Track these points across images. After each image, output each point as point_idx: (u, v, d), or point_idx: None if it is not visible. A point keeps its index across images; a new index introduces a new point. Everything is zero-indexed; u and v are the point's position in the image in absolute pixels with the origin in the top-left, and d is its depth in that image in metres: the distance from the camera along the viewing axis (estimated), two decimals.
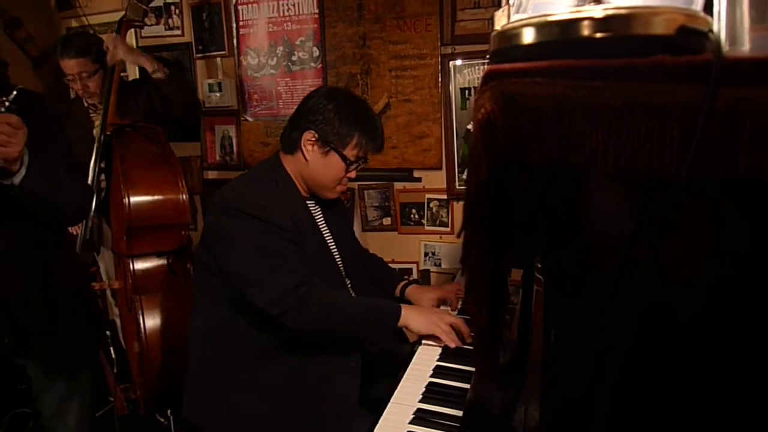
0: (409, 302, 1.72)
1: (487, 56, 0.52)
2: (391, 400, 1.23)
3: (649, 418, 0.54)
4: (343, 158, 1.46)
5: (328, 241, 1.59)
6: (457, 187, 2.31)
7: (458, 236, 0.52)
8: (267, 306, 1.34)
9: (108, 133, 2.18)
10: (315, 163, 1.48)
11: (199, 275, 1.52)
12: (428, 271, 2.41)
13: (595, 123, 0.39)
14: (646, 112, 0.37)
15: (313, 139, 1.46)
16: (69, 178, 1.49)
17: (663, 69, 0.36)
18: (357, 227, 2.45)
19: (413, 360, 1.39)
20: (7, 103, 1.31)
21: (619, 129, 0.38)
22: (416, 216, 2.41)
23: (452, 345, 1.41)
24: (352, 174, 1.53)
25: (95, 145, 2.17)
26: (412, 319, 1.44)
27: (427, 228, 2.41)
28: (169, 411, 2.22)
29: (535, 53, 0.42)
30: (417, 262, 2.43)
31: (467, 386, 1.25)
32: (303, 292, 1.36)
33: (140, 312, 2.02)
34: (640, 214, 0.48)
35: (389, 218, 2.46)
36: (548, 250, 0.81)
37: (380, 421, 1.15)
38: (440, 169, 2.32)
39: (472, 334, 1.41)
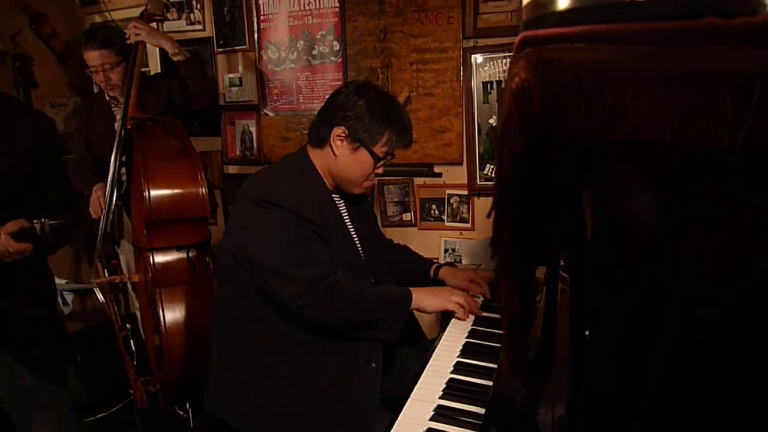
0: (443, 282, 1.74)
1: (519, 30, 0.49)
2: (411, 396, 1.20)
3: (693, 420, 0.51)
4: (373, 155, 1.46)
5: (352, 235, 1.58)
6: (478, 183, 2.27)
7: (488, 216, 0.49)
8: (292, 298, 1.34)
9: (129, 126, 2.19)
10: (344, 159, 1.47)
11: (222, 265, 1.52)
12: (452, 263, 2.37)
13: (640, 92, 0.36)
14: (696, 79, 0.34)
15: (343, 135, 1.45)
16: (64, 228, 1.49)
17: (715, 32, 0.33)
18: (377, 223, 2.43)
19: (433, 356, 1.37)
20: (47, 228, 1.38)
21: (665, 99, 0.35)
22: (436, 212, 2.38)
23: (465, 318, 1.49)
24: (380, 170, 1.53)
25: (116, 139, 2.18)
26: (424, 300, 1.47)
27: (447, 224, 2.37)
28: (188, 404, 2.23)
29: (573, 19, 0.39)
30: (437, 259, 2.40)
31: (489, 383, 1.22)
32: (328, 285, 1.35)
33: (160, 305, 2.02)
34: (686, 197, 0.45)
35: (409, 214, 2.43)
36: (576, 243, 0.78)
37: (400, 418, 1.13)
38: (461, 164, 2.28)
39: (502, 325, 1.39)
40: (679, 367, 0.51)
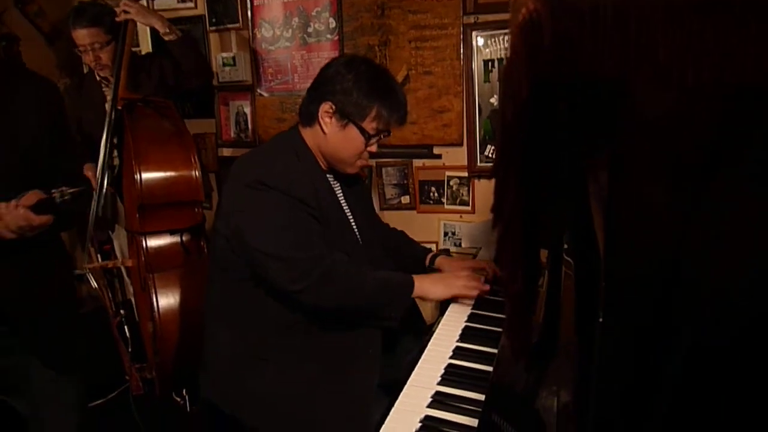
0: (437, 272, 1.67)
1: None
2: (408, 382, 1.16)
3: (714, 412, 0.46)
4: (362, 131, 1.39)
5: (348, 217, 1.53)
6: (479, 165, 2.21)
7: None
8: (287, 282, 1.30)
9: (119, 107, 2.13)
10: (333, 137, 1.41)
11: (216, 249, 1.47)
12: (448, 251, 2.32)
13: (671, 26, 0.30)
14: (738, 10, 0.28)
15: (331, 110, 1.39)
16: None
17: None
18: (375, 206, 2.37)
19: (432, 340, 1.32)
20: (66, 197, 1.32)
21: (702, 33, 0.29)
22: (436, 194, 2.33)
23: (475, 293, 1.45)
24: (373, 148, 1.46)
25: (107, 120, 2.12)
26: (427, 287, 1.42)
27: (447, 207, 2.32)
28: (184, 391, 2.20)
29: None
30: (436, 242, 2.35)
31: (488, 368, 1.18)
32: (324, 269, 1.31)
33: (153, 290, 1.98)
34: (706, 182, 0.39)
35: (408, 196, 2.38)
36: (581, 227, 0.73)
37: (397, 404, 1.09)
38: (461, 145, 2.22)
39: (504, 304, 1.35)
40: (701, 360, 0.46)
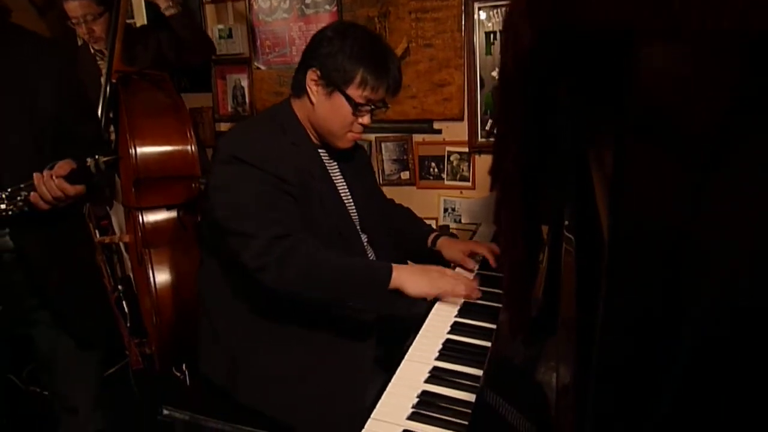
0: (440, 253, 1.62)
1: None
2: (406, 358, 1.15)
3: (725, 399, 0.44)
4: (348, 99, 1.33)
5: (342, 193, 1.49)
6: (479, 140, 2.18)
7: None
8: (248, 259, 1.23)
9: (114, 80, 2.09)
10: (320, 106, 1.36)
11: (203, 228, 1.45)
12: (447, 227, 2.31)
13: None
14: None
15: (316, 77, 1.34)
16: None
17: None
18: None
19: (430, 316, 1.31)
20: (102, 165, 1.28)
21: None
22: (436, 170, 2.30)
23: (459, 295, 1.33)
24: (365, 120, 1.39)
25: (101, 94, 2.08)
26: (407, 279, 1.27)
27: (447, 183, 2.29)
28: (184, 365, 2.20)
29: None
30: (436, 218, 2.33)
31: (487, 344, 1.17)
32: (286, 246, 1.22)
33: (150, 266, 1.97)
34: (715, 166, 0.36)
35: (407, 172, 2.35)
36: (582, 202, 0.70)
37: (393, 379, 1.08)
38: (462, 120, 2.18)
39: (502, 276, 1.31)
40: (708, 340, 0.44)
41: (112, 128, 2.18)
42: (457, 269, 1.56)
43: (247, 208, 1.27)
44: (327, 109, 1.36)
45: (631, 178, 0.52)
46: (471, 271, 1.56)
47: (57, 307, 1.46)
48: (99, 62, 2.27)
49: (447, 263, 1.60)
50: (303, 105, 1.40)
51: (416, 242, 1.68)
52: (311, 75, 1.34)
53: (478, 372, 1.07)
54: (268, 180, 1.27)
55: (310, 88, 1.35)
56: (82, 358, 1.56)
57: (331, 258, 1.29)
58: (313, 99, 1.36)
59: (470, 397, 1.01)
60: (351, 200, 1.51)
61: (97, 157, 1.28)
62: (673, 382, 0.49)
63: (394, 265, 1.31)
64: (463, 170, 2.25)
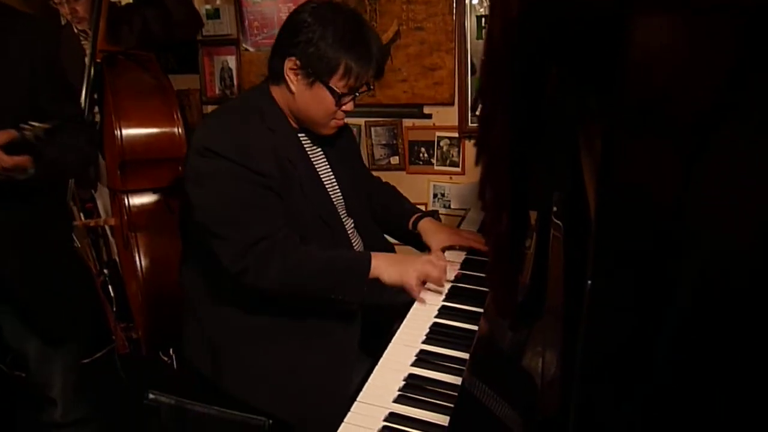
0: (419, 236, 1.58)
1: None
2: (393, 341, 1.15)
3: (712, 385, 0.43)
4: (332, 91, 1.26)
5: (326, 178, 1.44)
6: (470, 125, 2.16)
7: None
8: (226, 263, 1.21)
9: (98, 60, 2.05)
10: (301, 96, 1.29)
11: (182, 220, 1.42)
12: (437, 212, 2.29)
13: None
14: None
15: (296, 67, 1.26)
16: (72, 137, 1.38)
17: None
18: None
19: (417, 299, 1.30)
20: (39, 133, 1.22)
21: None
22: (425, 155, 2.29)
23: (419, 300, 1.28)
24: (349, 107, 1.33)
25: (85, 75, 2.04)
26: (383, 269, 1.27)
27: (436, 168, 2.28)
28: (171, 350, 2.19)
29: None
30: (425, 204, 2.32)
31: (474, 327, 1.16)
32: (263, 249, 1.21)
33: (136, 249, 1.95)
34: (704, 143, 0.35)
35: (397, 157, 2.33)
36: (571, 188, 0.70)
37: (380, 363, 1.08)
38: (452, 104, 2.17)
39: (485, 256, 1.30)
40: (696, 327, 0.43)
41: (96, 109, 2.14)
42: (447, 254, 1.54)
43: (224, 208, 1.23)
44: (308, 100, 1.29)
45: (620, 161, 0.51)
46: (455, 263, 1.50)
47: (21, 300, 1.41)
48: (83, 42, 2.22)
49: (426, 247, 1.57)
50: (282, 92, 1.33)
51: (397, 220, 1.63)
52: (289, 64, 1.26)
53: (466, 355, 1.07)
54: (246, 176, 1.22)
55: (288, 77, 1.28)
56: (55, 350, 1.52)
57: (311, 254, 1.27)
58: (293, 88, 1.29)
59: (457, 380, 1.01)
60: (336, 185, 1.46)
61: (33, 124, 1.22)
62: (661, 369, 0.49)
63: (373, 254, 1.30)
64: (452, 155, 2.24)
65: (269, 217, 1.25)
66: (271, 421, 1.27)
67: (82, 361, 2.33)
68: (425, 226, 1.58)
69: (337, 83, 1.26)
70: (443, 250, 1.52)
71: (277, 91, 1.34)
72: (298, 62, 1.25)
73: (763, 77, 0.37)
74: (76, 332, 1.60)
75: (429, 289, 1.33)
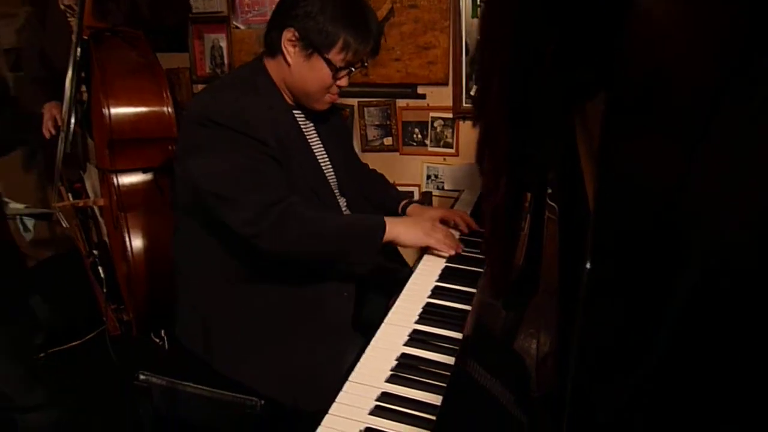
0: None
1: None
2: (385, 321, 1.14)
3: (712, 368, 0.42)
4: (329, 63, 1.27)
5: (319, 156, 1.45)
6: (464, 105, 2.14)
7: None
8: (240, 226, 1.21)
9: (85, 37, 2.00)
10: (298, 68, 1.30)
11: (176, 192, 1.40)
12: (430, 193, 2.29)
13: None
14: None
15: (294, 38, 1.27)
16: None
17: None
18: (356, 148, 2.30)
19: (410, 280, 1.30)
20: None
21: None
22: (419, 136, 2.26)
23: (451, 252, 1.35)
24: (343, 82, 1.34)
25: (72, 52, 1.99)
26: (401, 231, 1.31)
27: (430, 149, 2.26)
28: (163, 331, 2.18)
29: None
30: (419, 185, 2.31)
31: (468, 308, 1.16)
32: (279, 211, 1.21)
33: (126, 230, 1.92)
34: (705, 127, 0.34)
35: (390, 138, 2.31)
36: (567, 170, 0.68)
37: (372, 343, 1.07)
38: (446, 84, 2.14)
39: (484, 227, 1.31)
40: (697, 311, 0.42)
41: (84, 88, 2.09)
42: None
43: (232, 174, 1.22)
44: (305, 72, 1.30)
45: (621, 143, 0.49)
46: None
47: None
48: (69, 18, 2.16)
49: None
50: (278, 65, 1.33)
51: (386, 208, 1.66)
52: (288, 35, 1.27)
53: (459, 335, 1.06)
54: (250, 144, 1.23)
55: (286, 48, 1.28)
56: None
57: (326, 218, 1.30)
58: (290, 60, 1.29)
59: (451, 360, 1.00)
60: (329, 163, 1.47)
61: None
62: (658, 350, 0.48)
63: (386, 217, 1.33)
64: (446, 136, 2.22)
65: (277, 182, 1.26)
66: (263, 402, 1.26)
67: (65, 346, 2.33)
68: (414, 209, 1.64)
69: (335, 57, 1.27)
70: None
71: (272, 65, 1.34)
72: (296, 34, 1.26)
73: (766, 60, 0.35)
74: (9, 320, 1.54)
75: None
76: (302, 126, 1.41)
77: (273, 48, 1.32)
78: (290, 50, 1.28)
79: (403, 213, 1.64)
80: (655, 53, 0.41)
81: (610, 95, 0.49)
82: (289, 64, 1.30)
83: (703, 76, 0.39)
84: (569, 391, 0.50)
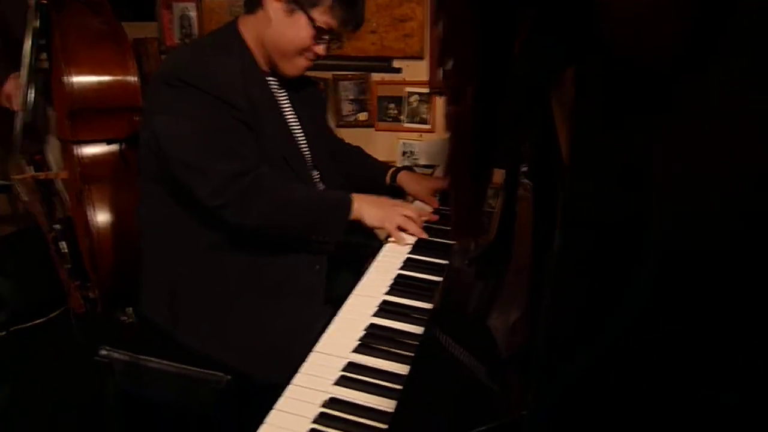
0: (401, 189, 1.58)
1: None
2: (354, 292, 1.11)
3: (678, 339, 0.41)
4: (311, 21, 1.24)
5: (292, 125, 1.41)
6: (440, 80, 2.10)
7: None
8: (206, 196, 1.17)
9: (44, 2, 1.90)
10: (278, 24, 1.26)
11: (142, 158, 1.34)
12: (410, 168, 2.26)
13: None
14: None
15: None
16: None
17: None
18: (330, 123, 2.26)
19: (381, 252, 1.27)
20: None
21: None
22: (394, 111, 2.22)
23: (401, 243, 1.31)
24: (320, 49, 1.31)
25: (29, 19, 1.89)
26: (365, 211, 1.29)
27: (405, 125, 2.23)
28: (130, 309, 2.12)
29: None
30: (394, 162, 2.27)
31: (439, 279, 1.13)
32: (247, 182, 1.18)
33: (90, 203, 1.85)
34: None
35: (365, 113, 2.27)
36: (543, 147, 0.66)
37: (339, 313, 1.04)
38: (422, 58, 2.11)
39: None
40: (666, 293, 0.41)
41: (45, 56, 2.00)
42: (416, 203, 1.53)
43: (199, 139, 1.18)
44: (284, 28, 1.26)
45: (591, 112, 0.47)
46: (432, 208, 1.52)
47: None
48: None
49: (406, 198, 1.57)
50: (255, 22, 1.29)
51: (371, 180, 1.63)
52: None
53: (428, 306, 1.04)
54: (219, 106, 1.18)
55: (269, 2, 1.25)
56: None
57: (294, 192, 1.27)
58: (271, 14, 1.25)
59: (419, 329, 0.98)
60: (302, 133, 1.43)
61: None
62: (626, 318, 0.47)
63: (353, 195, 1.30)
64: (422, 112, 2.19)
65: (247, 150, 1.22)
66: (229, 377, 1.23)
67: (26, 324, 2.26)
68: (405, 178, 1.60)
69: (320, 16, 1.25)
70: (434, 194, 1.55)
71: (249, 22, 1.31)
72: None
73: (731, 27, 0.34)
74: None
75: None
76: (276, 93, 1.38)
77: (254, 2, 1.28)
78: (273, 4, 1.25)
79: (393, 181, 1.61)
80: (627, 25, 0.40)
81: (578, 75, 0.47)
82: (269, 18, 1.26)
83: (667, 53, 0.38)
84: (540, 344, 0.49)
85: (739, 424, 0.38)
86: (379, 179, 1.63)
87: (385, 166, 1.68)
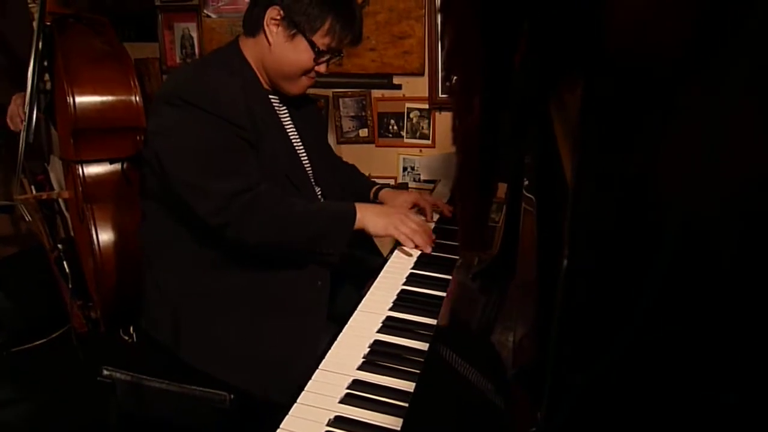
0: (381, 204, 1.58)
1: None
2: (359, 308, 1.10)
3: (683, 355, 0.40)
4: (312, 46, 1.26)
5: (295, 143, 1.41)
6: (440, 96, 2.12)
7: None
8: (207, 215, 1.17)
9: (48, 23, 1.92)
10: (278, 48, 1.27)
11: (144, 178, 1.35)
12: (406, 185, 2.26)
13: None
14: None
15: (278, 17, 1.25)
16: None
17: None
18: (331, 139, 2.27)
19: (385, 267, 1.27)
20: None
21: None
22: (395, 127, 2.23)
23: (411, 246, 1.31)
24: (322, 68, 1.33)
25: (34, 39, 1.92)
26: (369, 219, 1.28)
27: (406, 140, 2.23)
28: (132, 328, 2.11)
29: None
30: (395, 177, 2.28)
31: (443, 294, 1.13)
32: (247, 201, 1.18)
33: (92, 223, 1.85)
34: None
35: (366, 129, 2.27)
36: (545, 159, 0.66)
37: (344, 330, 1.04)
38: (422, 74, 2.12)
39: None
40: (676, 304, 0.40)
41: (47, 77, 2.02)
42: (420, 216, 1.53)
43: (200, 158, 1.18)
44: (285, 53, 1.27)
45: (597, 121, 0.47)
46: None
47: None
48: (30, 5, 2.09)
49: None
50: (256, 45, 1.30)
51: (359, 196, 1.63)
52: (272, 13, 1.25)
53: (434, 321, 1.03)
54: (221, 125, 1.18)
55: (268, 27, 1.26)
56: None
57: (295, 207, 1.26)
58: (271, 39, 1.27)
59: (425, 346, 0.97)
60: (304, 151, 1.44)
61: None
62: (634, 333, 0.46)
63: (357, 204, 1.30)
64: (423, 128, 2.19)
65: (248, 168, 1.22)
66: (232, 396, 1.22)
67: (28, 345, 2.24)
68: (385, 195, 1.61)
69: (319, 40, 1.26)
70: (412, 207, 1.56)
71: (249, 44, 1.32)
72: (281, 12, 1.24)
73: (737, 30, 0.34)
74: None
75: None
76: (278, 111, 1.38)
77: (253, 26, 1.29)
78: (273, 29, 1.26)
79: (375, 199, 1.61)
80: (632, 37, 0.40)
81: (586, 84, 0.48)
82: (269, 44, 1.27)
83: (673, 59, 0.38)
84: (550, 356, 0.48)
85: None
86: (365, 195, 1.64)
87: (373, 183, 1.70)
